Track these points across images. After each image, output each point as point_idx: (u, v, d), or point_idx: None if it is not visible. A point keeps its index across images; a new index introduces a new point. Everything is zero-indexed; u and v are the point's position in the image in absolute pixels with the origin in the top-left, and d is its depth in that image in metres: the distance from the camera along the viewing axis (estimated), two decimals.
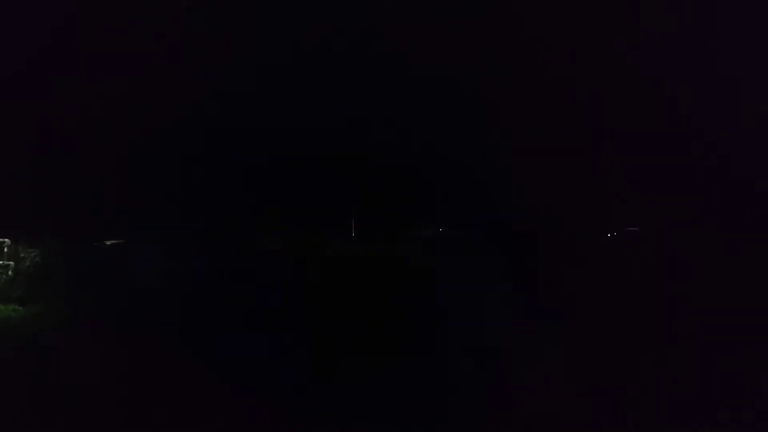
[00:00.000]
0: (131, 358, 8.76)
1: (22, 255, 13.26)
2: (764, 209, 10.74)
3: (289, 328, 10.03)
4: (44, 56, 12.04)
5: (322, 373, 8.43)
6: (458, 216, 13.31)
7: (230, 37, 11.90)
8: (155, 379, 8.07)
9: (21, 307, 12.10)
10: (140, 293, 11.79)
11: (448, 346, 9.21)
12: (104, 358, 8.59)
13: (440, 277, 11.38)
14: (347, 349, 9.28)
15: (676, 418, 6.81)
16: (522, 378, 7.97)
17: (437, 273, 11.49)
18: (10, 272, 13.18)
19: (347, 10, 10.84)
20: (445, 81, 11.29)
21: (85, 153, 12.86)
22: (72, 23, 11.85)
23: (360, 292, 11.26)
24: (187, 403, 7.37)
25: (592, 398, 7.32)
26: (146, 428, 7.01)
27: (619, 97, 10.83)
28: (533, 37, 10.72)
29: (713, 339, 8.49)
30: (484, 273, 11.03)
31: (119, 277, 12.58)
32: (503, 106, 11.19)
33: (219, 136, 12.75)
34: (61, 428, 6.90)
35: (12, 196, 12.81)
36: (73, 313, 11.49)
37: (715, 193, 11.17)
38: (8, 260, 13.43)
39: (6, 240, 13.55)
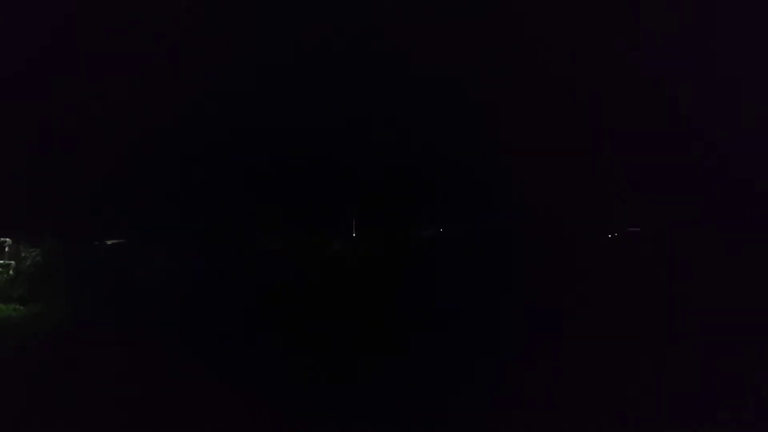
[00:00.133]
0: (131, 357, 8.76)
1: (23, 254, 13.27)
2: (764, 209, 10.73)
3: (289, 327, 10.03)
4: (44, 56, 12.04)
5: (322, 373, 8.42)
6: (458, 216, 13.31)
7: (230, 37, 11.91)
8: (156, 379, 8.07)
9: (22, 307, 12.09)
10: (140, 293, 11.81)
11: (449, 346, 9.20)
12: (105, 357, 8.59)
13: (440, 276, 11.38)
14: (347, 349, 9.27)
15: (676, 418, 6.80)
16: (522, 377, 7.97)
17: (437, 273, 11.49)
18: (11, 272, 13.20)
19: (347, 10, 10.84)
20: (445, 81, 11.28)
21: (86, 153, 12.87)
22: (72, 23, 11.86)
23: (360, 292, 11.26)
24: (187, 403, 7.37)
25: (593, 398, 7.31)
26: (147, 428, 7.01)
27: (619, 97, 10.83)
28: (533, 37, 10.71)
29: (713, 339, 8.48)
30: (485, 273, 11.03)
31: (120, 277, 12.59)
32: (503, 106, 11.19)
33: (219, 136, 12.76)
34: (61, 428, 6.90)
35: (13, 196, 12.83)
36: (73, 313, 11.50)
37: (715, 193, 11.16)
38: (9, 260, 13.44)
39: (7, 239, 13.56)
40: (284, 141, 12.35)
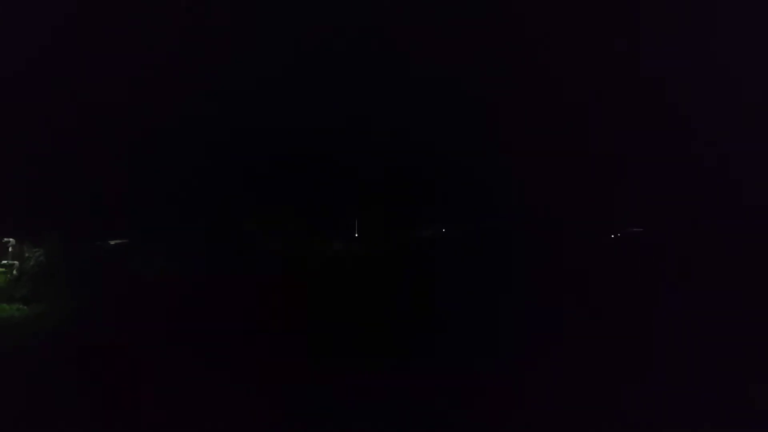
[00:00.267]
0: (133, 357, 8.81)
1: (26, 254, 13.33)
2: (764, 209, 10.72)
3: (289, 328, 10.07)
4: (46, 56, 12.05)
5: (323, 373, 8.46)
6: (459, 216, 13.32)
7: (230, 37, 11.89)
8: (156, 379, 8.12)
9: (25, 307, 12.15)
10: (143, 292, 11.86)
11: (449, 347, 9.23)
12: (106, 357, 8.64)
13: (441, 277, 11.40)
14: (348, 349, 9.31)
15: (676, 418, 6.84)
16: (523, 377, 8.00)
17: (438, 273, 11.51)
18: (14, 272, 13.26)
19: (347, 10, 10.81)
20: (445, 81, 11.27)
21: (90, 153, 12.89)
22: (72, 23, 11.85)
23: (361, 292, 11.29)
24: (187, 403, 7.42)
25: (593, 398, 7.35)
26: (147, 428, 7.06)
27: (619, 97, 10.80)
28: (533, 37, 10.69)
29: (713, 339, 8.51)
30: (486, 273, 11.05)
31: (122, 277, 12.64)
32: (503, 105, 11.18)
33: (219, 136, 12.76)
34: (62, 427, 6.96)
35: (17, 197, 12.87)
36: (76, 313, 11.55)
37: (715, 193, 11.15)
38: (13, 260, 13.50)
39: (11, 240, 13.62)
40: (284, 141, 12.35)
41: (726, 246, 10.64)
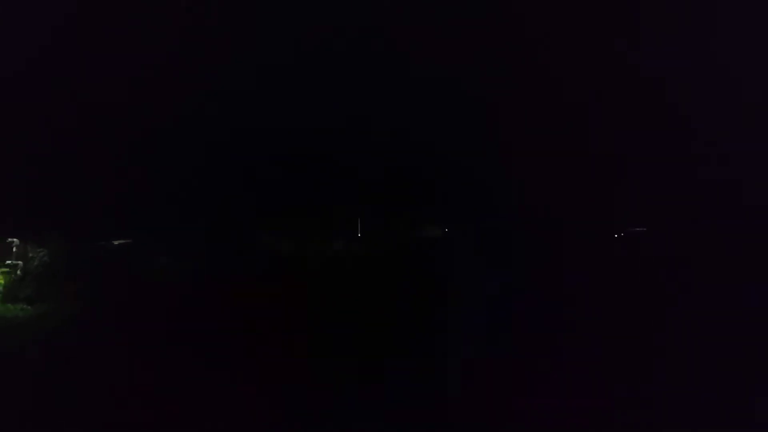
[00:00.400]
0: (135, 357, 8.88)
1: (30, 255, 13.39)
2: (764, 209, 10.71)
3: (289, 328, 10.13)
4: (46, 56, 12.05)
5: (323, 373, 8.52)
6: (459, 216, 13.32)
7: (230, 37, 11.87)
8: (158, 379, 8.18)
9: (29, 307, 12.23)
10: (146, 293, 11.92)
11: (451, 347, 9.28)
12: (108, 357, 8.71)
13: (442, 276, 11.43)
14: (348, 349, 9.36)
15: (676, 418, 6.88)
16: (523, 377, 8.04)
17: (439, 273, 11.54)
18: (18, 272, 13.33)
19: (347, 10, 10.78)
20: (445, 81, 11.24)
21: (91, 153, 12.92)
22: (72, 23, 11.85)
23: (362, 293, 11.33)
24: (188, 403, 7.48)
25: (593, 398, 7.39)
26: (148, 428, 7.13)
27: (619, 97, 10.77)
28: (533, 37, 10.66)
29: (713, 339, 8.53)
30: (488, 273, 11.08)
31: (126, 277, 12.71)
32: (503, 106, 11.16)
33: (220, 136, 12.77)
34: (64, 427, 7.02)
35: (20, 197, 12.91)
36: (79, 313, 11.63)
37: (715, 193, 11.14)
38: (17, 260, 13.57)
39: (15, 240, 13.69)
40: (284, 141, 12.35)
41: (727, 246, 10.64)
